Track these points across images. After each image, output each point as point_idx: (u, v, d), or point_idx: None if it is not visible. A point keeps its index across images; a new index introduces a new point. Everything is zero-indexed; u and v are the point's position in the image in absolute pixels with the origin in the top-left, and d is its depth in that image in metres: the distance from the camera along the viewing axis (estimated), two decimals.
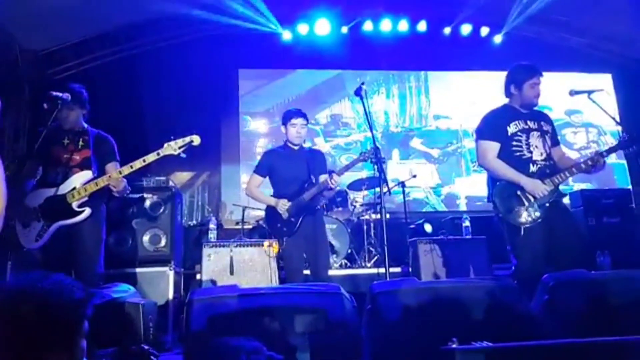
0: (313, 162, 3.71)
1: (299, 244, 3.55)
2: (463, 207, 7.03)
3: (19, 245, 3.02)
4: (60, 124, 3.15)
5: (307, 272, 3.77)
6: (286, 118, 3.70)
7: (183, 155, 3.08)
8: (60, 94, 2.93)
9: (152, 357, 1.28)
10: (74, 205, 3.02)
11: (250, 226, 6.09)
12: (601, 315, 2.06)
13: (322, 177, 3.63)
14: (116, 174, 3.03)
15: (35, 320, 1.11)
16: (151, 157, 3.06)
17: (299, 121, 3.65)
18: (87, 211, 3.04)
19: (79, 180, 3.05)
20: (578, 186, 6.72)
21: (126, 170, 3.05)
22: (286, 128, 3.69)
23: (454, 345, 1.21)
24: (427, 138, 7.45)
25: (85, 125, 3.30)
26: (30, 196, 3.07)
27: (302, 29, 6.94)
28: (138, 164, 3.05)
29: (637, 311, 2.01)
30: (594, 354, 1.22)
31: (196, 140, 3.11)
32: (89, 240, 3.07)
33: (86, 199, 3.06)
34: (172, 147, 3.07)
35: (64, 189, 3.03)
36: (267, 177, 3.78)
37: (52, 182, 3.08)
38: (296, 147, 3.71)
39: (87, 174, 3.09)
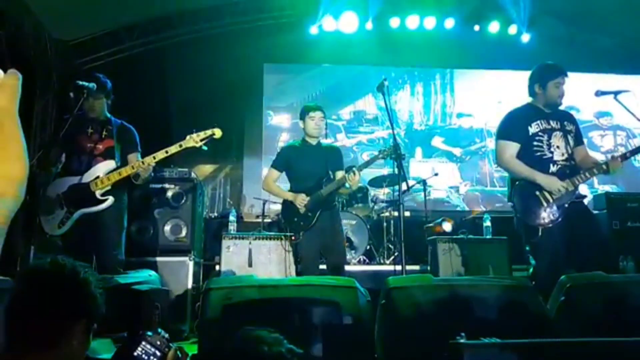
0: (331, 158, 3.72)
1: (315, 239, 3.56)
2: (484, 207, 6.94)
3: (42, 231, 3.09)
4: (85, 113, 3.21)
5: (323, 266, 3.79)
6: (304, 112, 3.71)
7: (205, 148, 3.11)
8: (86, 83, 3.00)
9: (166, 345, 1.29)
10: (97, 193, 3.08)
11: (270, 220, 6.15)
12: (618, 317, 2.03)
13: (340, 174, 3.63)
14: (139, 164, 3.07)
15: (73, 292, 1.18)
16: (173, 149, 3.10)
17: (317, 114, 3.65)
18: (110, 200, 3.09)
19: (102, 169, 3.11)
20: (603, 188, 6.57)
21: (149, 160, 3.08)
22: (304, 122, 3.69)
23: (461, 340, 1.22)
24: (448, 137, 7.38)
25: (109, 115, 3.35)
26: (54, 184, 3.15)
27: (328, 24, 6.94)
28: (160, 154, 3.08)
29: None
30: (602, 354, 1.20)
31: (217, 133, 3.13)
32: (111, 228, 3.14)
33: (109, 187, 3.12)
34: (194, 140, 3.09)
35: (87, 177, 3.10)
36: (285, 172, 3.79)
37: (76, 170, 3.14)
38: (314, 143, 3.72)
39: (111, 164, 3.14)
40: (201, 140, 3.10)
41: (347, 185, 3.54)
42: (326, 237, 3.58)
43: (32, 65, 5.58)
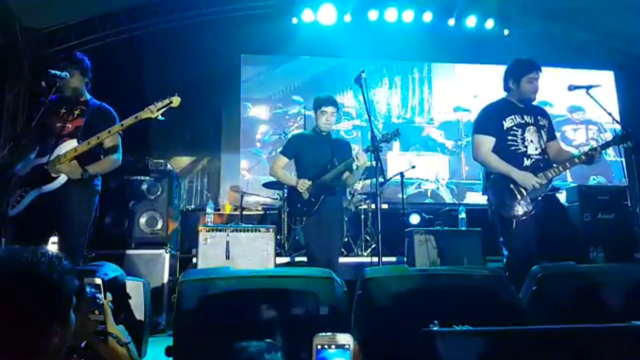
0: (338, 149, 3.72)
1: (319, 225, 3.54)
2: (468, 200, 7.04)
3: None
4: (61, 94, 3.08)
5: None
6: (316, 105, 3.68)
7: (161, 118, 2.95)
8: (58, 73, 2.91)
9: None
10: (52, 172, 2.94)
11: (249, 212, 6.12)
12: (587, 306, 2.09)
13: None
14: (94, 140, 2.95)
15: (31, 296, 1.09)
16: (129, 121, 2.96)
17: (329, 109, 3.63)
18: (62, 177, 2.94)
19: (64, 148, 2.97)
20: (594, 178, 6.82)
21: (104, 134, 2.96)
22: (316, 115, 3.70)
23: (434, 328, 1.24)
24: (446, 130, 7.47)
25: (88, 96, 3.22)
26: (24, 167, 3.02)
27: (307, 15, 6.90)
28: (116, 128, 2.98)
29: (622, 303, 2.04)
30: (572, 340, 1.24)
31: (175, 101, 2.98)
32: (76, 211, 2.98)
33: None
34: (151, 110, 2.94)
35: (51, 157, 2.97)
36: (293, 160, 3.79)
37: (43, 151, 3.01)
38: (324, 133, 3.72)
39: (72, 142, 2.99)
40: (158, 110, 2.94)
41: (353, 167, 3.51)
42: (326, 224, 3.55)
43: (1, 54, 5.41)
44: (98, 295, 1.42)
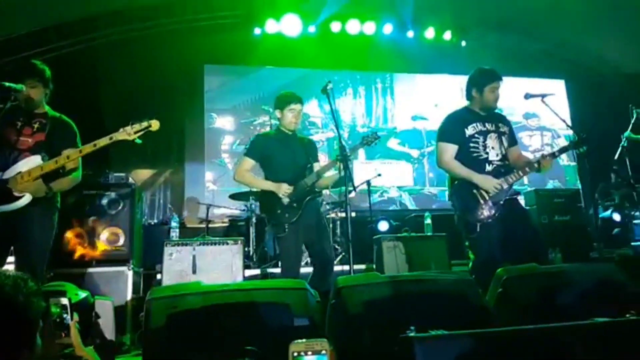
0: (309, 149, 3.62)
1: (300, 233, 3.35)
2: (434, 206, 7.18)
3: None
4: (19, 104, 2.93)
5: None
6: (283, 102, 3.53)
7: (139, 141, 2.84)
8: (14, 85, 2.77)
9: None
10: (15, 190, 2.79)
11: (214, 225, 6.03)
12: (551, 305, 2.17)
13: (317, 165, 3.54)
14: (63, 159, 2.83)
15: (14, 323, 1.07)
16: (102, 142, 2.83)
17: (297, 107, 3.51)
18: (27, 197, 2.80)
19: (26, 165, 2.83)
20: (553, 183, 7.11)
21: (74, 154, 2.85)
22: (282, 113, 3.53)
23: (411, 334, 1.26)
24: (403, 138, 7.60)
25: (47, 107, 3.07)
26: None
27: (270, 26, 6.92)
28: (88, 148, 2.85)
29: (584, 300, 2.14)
30: (538, 340, 1.29)
31: (155, 125, 2.87)
32: (37, 227, 2.86)
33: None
34: (127, 132, 2.83)
35: (9, 173, 2.82)
36: (259, 163, 3.59)
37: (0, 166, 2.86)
38: (290, 133, 3.58)
39: (36, 159, 2.86)
40: (135, 133, 2.83)
41: (335, 171, 3.39)
42: (312, 232, 3.39)
43: None
44: (65, 315, 1.36)
